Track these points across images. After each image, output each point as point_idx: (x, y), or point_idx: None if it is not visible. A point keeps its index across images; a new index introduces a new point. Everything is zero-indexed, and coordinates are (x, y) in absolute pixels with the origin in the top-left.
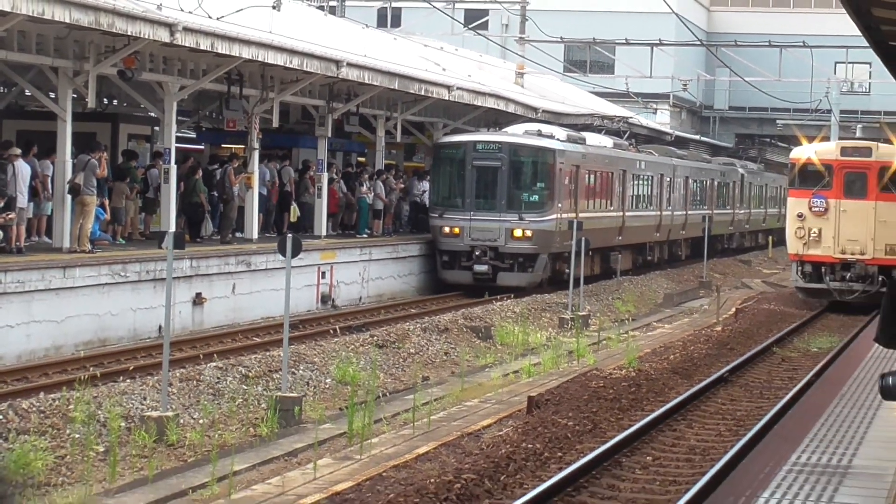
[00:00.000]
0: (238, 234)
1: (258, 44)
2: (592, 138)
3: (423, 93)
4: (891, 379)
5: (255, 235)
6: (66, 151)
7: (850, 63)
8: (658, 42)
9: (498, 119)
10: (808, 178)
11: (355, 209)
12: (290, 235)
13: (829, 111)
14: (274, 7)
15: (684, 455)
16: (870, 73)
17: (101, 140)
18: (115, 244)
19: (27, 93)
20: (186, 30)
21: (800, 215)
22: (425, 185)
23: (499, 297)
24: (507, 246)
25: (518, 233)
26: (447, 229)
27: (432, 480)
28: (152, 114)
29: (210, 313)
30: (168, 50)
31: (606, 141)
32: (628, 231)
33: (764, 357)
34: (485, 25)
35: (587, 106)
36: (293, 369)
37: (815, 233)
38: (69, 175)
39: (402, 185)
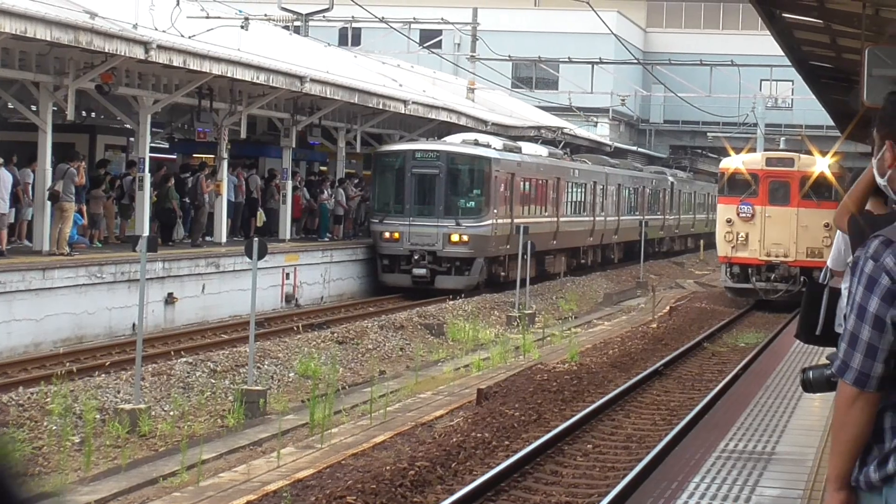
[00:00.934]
0: (208, 238)
1: (227, 61)
2: (528, 147)
3: (381, 106)
4: (811, 373)
5: (224, 239)
6: (46, 160)
7: (774, 80)
8: (598, 60)
9: (451, 131)
10: (736, 186)
11: (317, 215)
12: (256, 239)
13: (755, 125)
14: (242, 26)
15: (622, 443)
16: (792, 89)
17: (80, 150)
18: (92, 247)
19: (10, 106)
20: (160, 47)
21: (729, 221)
22: None
23: (438, 298)
24: (444, 250)
25: (455, 238)
26: (387, 234)
27: (388, 468)
28: (128, 126)
29: (181, 312)
30: (143, 66)
31: (542, 150)
32: (563, 235)
33: (696, 352)
34: (438, 45)
35: (533, 119)
36: (259, 364)
37: (742, 237)
38: (49, 183)
39: (362, 193)
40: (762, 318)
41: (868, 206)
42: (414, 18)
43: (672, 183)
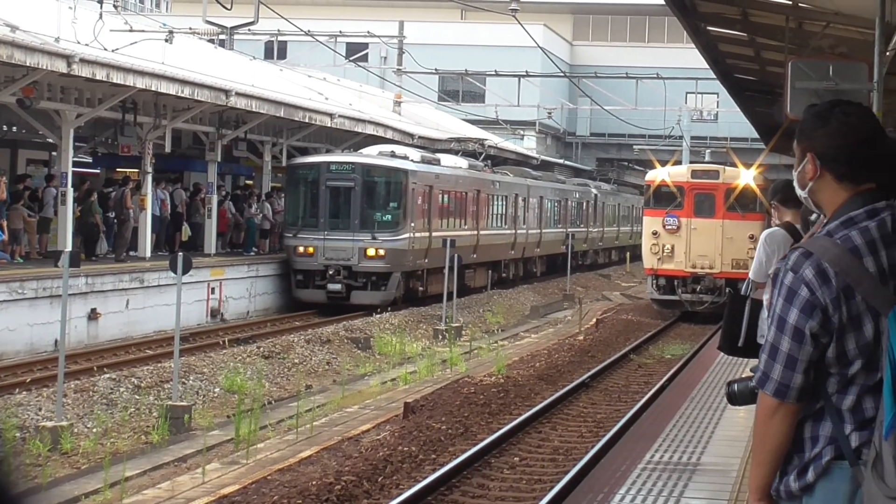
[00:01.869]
0: (132, 253)
1: (151, 74)
2: (448, 160)
3: (307, 120)
4: (736, 386)
5: (149, 254)
6: None
7: (699, 93)
8: (525, 73)
9: (377, 144)
10: (662, 198)
11: (243, 229)
12: (181, 254)
13: (681, 137)
14: (166, 40)
15: (549, 455)
16: (717, 102)
17: (1, 165)
18: (13, 263)
19: None
20: (83, 61)
21: (654, 233)
22: None
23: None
24: (360, 265)
25: (371, 252)
26: (301, 249)
27: (314, 482)
28: (50, 140)
29: (105, 328)
30: (65, 80)
31: (462, 162)
32: (483, 249)
33: (622, 363)
34: (365, 58)
35: (460, 132)
36: (183, 380)
37: (668, 249)
38: None
39: None
40: (688, 330)
41: (788, 219)
42: (340, 32)
43: (595, 195)
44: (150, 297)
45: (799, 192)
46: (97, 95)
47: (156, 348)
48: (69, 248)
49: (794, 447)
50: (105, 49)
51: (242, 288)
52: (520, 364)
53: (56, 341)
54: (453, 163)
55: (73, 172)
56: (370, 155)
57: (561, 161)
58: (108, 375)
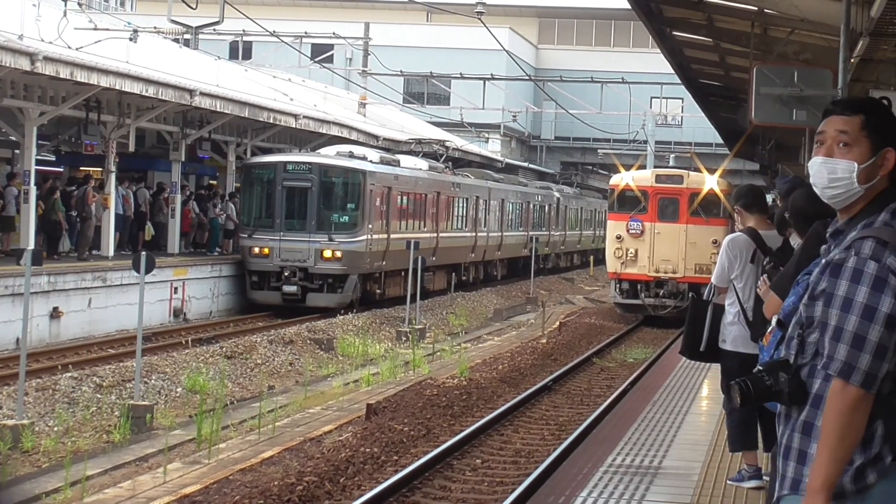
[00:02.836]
0: (95, 252)
1: (116, 73)
2: (407, 161)
3: (271, 121)
4: (749, 384)
5: (112, 253)
6: None
7: (664, 98)
8: (490, 76)
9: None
10: (626, 202)
11: (207, 229)
12: (144, 253)
13: (646, 142)
14: (131, 39)
15: (511, 458)
16: (682, 107)
17: None
18: None
19: None
20: (47, 59)
21: (618, 237)
22: None
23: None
24: (316, 267)
25: (328, 253)
26: (256, 249)
27: (276, 483)
28: (13, 138)
29: (67, 326)
30: (29, 77)
31: (422, 164)
32: (442, 252)
33: (585, 367)
34: (330, 59)
35: (424, 134)
36: (146, 379)
37: (632, 253)
38: None
39: None
40: (651, 334)
41: (751, 224)
42: (305, 33)
43: (558, 199)
44: (112, 296)
45: (853, 187)
46: (61, 94)
47: (118, 347)
48: (31, 246)
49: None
50: (69, 47)
51: (205, 288)
52: (482, 366)
53: (18, 339)
54: (413, 164)
55: (36, 171)
56: (328, 155)
57: (525, 164)
58: (69, 374)
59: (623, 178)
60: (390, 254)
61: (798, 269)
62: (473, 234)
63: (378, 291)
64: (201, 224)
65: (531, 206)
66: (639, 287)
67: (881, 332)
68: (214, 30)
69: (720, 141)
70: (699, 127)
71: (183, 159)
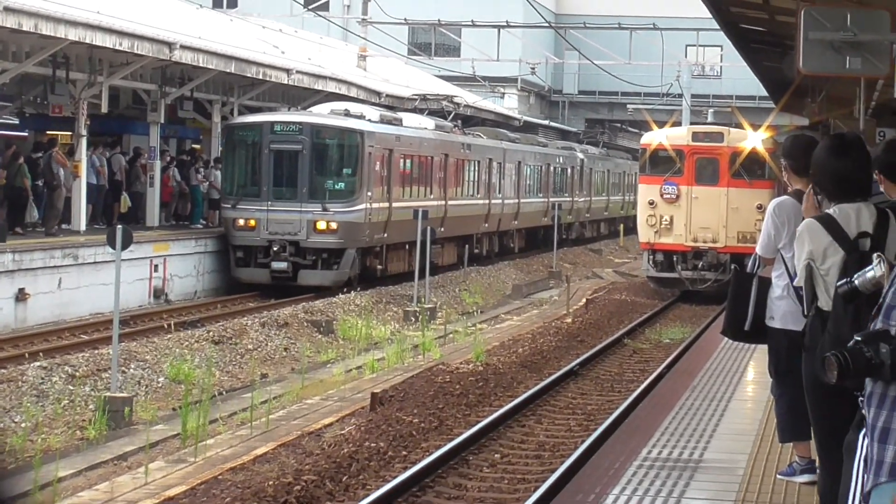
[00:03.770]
0: (65, 226)
1: (85, 25)
2: (411, 119)
3: (260, 76)
4: (846, 354)
5: (84, 227)
6: None
7: (701, 46)
8: (505, 24)
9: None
10: (659, 163)
11: (189, 199)
12: (120, 227)
13: (681, 95)
14: None
15: (533, 452)
16: (721, 56)
17: None
18: None
19: None
20: (7, 10)
21: (651, 202)
22: None
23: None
24: (309, 240)
25: (322, 225)
26: (241, 222)
27: (271, 483)
28: None
29: (34, 310)
30: None
31: (428, 123)
32: (451, 222)
33: (615, 349)
34: (326, 6)
35: (432, 90)
36: (123, 368)
37: (666, 220)
38: None
39: None
40: (688, 311)
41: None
42: None
43: (582, 160)
44: (85, 276)
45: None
46: (24, 49)
47: (92, 333)
48: None
49: None
50: None
51: (189, 265)
52: (500, 350)
53: None
54: (418, 123)
55: None
56: (321, 114)
57: (545, 122)
58: (38, 364)
59: (656, 137)
60: (393, 224)
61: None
62: (487, 201)
63: (379, 267)
64: (183, 193)
65: (552, 169)
66: (674, 259)
67: None
68: None
69: (764, 93)
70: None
71: (162, 121)
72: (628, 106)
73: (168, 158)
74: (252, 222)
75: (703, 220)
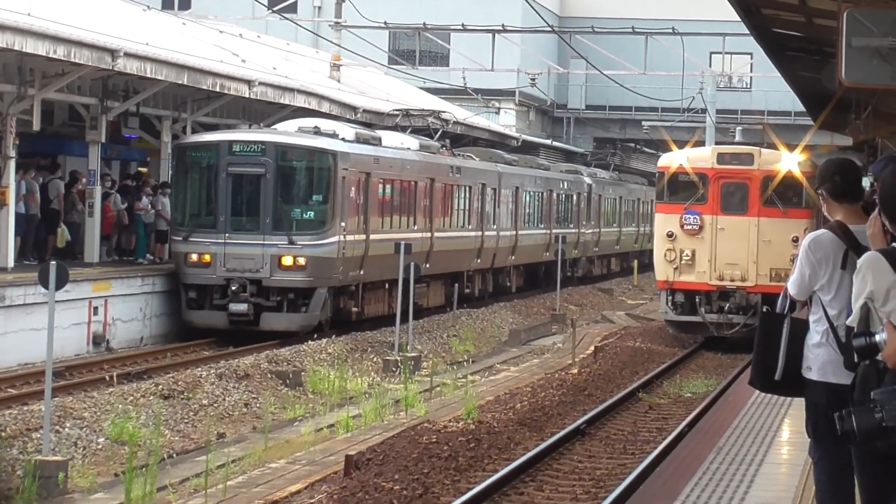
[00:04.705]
0: None
1: (13, 28)
2: (392, 138)
3: (217, 89)
4: (854, 419)
5: (11, 263)
6: None
7: (727, 53)
8: (501, 28)
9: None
10: (680, 190)
11: (134, 230)
12: (53, 263)
13: (704, 111)
14: None
15: None
16: (751, 65)
17: None
18: None
19: None
20: None
21: (670, 234)
22: None
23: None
24: (273, 278)
25: (288, 261)
26: (194, 257)
27: None
28: None
29: None
30: None
31: (411, 142)
32: (438, 257)
33: (628, 404)
34: (293, 8)
35: (415, 104)
36: (57, 427)
37: (687, 255)
38: None
39: None
40: (713, 361)
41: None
42: None
43: (590, 186)
44: (12, 320)
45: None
46: None
47: (20, 386)
48: None
49: None
50: None
51: (134, 307)
52: (495, 405)
53: None
54: (400, 143)
55: None
56: (287, 132)
57: (547, 142)
58: None
59: (675, 159)
60: (370, 260)
61: None
62: (479, 233)
63: (355, 309)
64: (127, 224)
65: (555, 195)
66: (697, 300)
67: None
68: None
69: (801, 109)
70: (773, 91)
71: (103, 140)
72: (643, 123)
73: (110, 183)
74: (207, 258)
75: (730, 255)
